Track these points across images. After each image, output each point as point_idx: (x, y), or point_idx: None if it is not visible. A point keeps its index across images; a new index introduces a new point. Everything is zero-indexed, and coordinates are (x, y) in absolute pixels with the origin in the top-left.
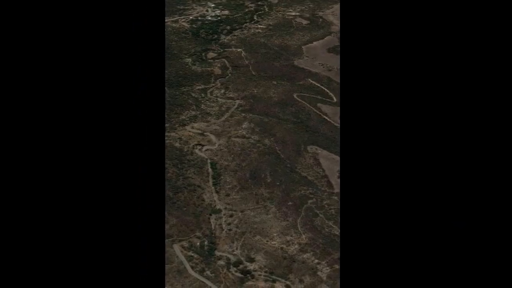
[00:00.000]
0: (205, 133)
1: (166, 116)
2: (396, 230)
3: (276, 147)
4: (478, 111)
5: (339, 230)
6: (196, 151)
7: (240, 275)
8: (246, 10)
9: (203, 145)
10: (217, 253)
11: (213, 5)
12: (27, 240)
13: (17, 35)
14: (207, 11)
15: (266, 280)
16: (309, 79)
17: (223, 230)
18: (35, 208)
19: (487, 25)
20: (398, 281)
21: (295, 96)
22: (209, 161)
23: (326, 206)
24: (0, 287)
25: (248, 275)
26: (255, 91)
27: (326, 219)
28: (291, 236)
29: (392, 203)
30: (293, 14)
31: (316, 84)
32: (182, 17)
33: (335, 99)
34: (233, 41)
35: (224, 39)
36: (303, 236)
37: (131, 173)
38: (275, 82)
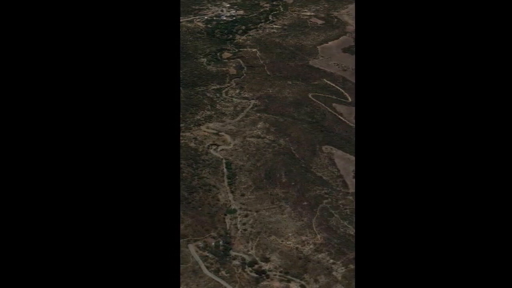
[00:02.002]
0: (220, 133)
1: (181, 116)
2: (412, 230)
3: (291, 147)
4: (497, 110)
5: (354, 230)
6: (211, 151)
7: (255, 275)
8: (261, 10)
9: (218, 145)
10: (232, 253)
11: (228, 5)
12: (47, 241)
13: (33, 35)
14: (222, 11)
15: (281, 280)
16: (324, 79)
17: (238, 230)
18: (50, 209)
19: (505, 27)
20: (413, 281)
21: (310, 96)
22: (224, 161)
23: (341, 206)
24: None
25: (263, 275)
26: (270, 91)
27: (341, 219)
28: (306, 236)
29: (407, 203)
30: (308, 14)
31: (331, 84)
32: (197, 17)
33: (350, 99)
34: (248, 41)
35: (239, 39)
36: (318, 236)
37: (146, 173)
38: (290, 82)
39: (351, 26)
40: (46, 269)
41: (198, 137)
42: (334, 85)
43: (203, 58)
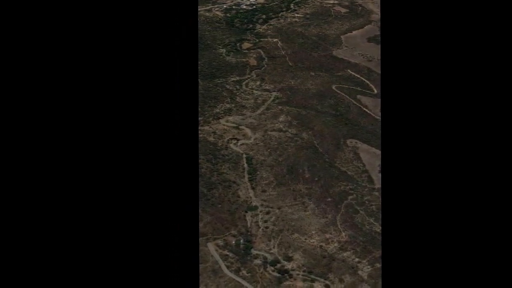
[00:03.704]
0: (240, 127)
1: (199, 109)
2: (441, 227)
3: (314, 141)
4: None
5: (381, 228)
6: (231, 145)
7: (277, 274)
8: None
9: (238, 139)
10: (254, 251)
11: None
12: (62, 242)
13: (48, 25)
14: None
15: (304, 280)
16: (349, 70)
17: (259, 227)
18: (60, 209)
19: None
20: (443, 281)
21: (333, 87)
22: (244, 156)
23: (366, 202)
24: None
25: (285, 274)
26: (292, 82)
27: (367, 216)
28: (331, 233)
29: (436, 199)
30: (332, 2)
31: (356, 75)
32: (215, 5)
33: (375, 91)
34: (269, 31)
35: (260, 28)
36: (343, 234)
37: (163, 169)
38: (313, 73)
39: (376, 15)
40: (62, 270)
41: (217, 131)
42: (358, 76)
43: (222, 48)
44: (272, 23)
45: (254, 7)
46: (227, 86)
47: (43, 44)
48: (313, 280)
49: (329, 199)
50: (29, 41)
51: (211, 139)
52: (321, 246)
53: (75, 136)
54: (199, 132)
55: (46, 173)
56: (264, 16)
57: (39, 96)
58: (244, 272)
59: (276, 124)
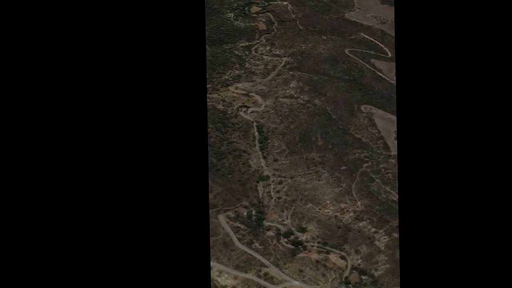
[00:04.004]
0: (250, 94)
1: (207, 76)
2: (460, 196)
3: (327, 107)
4: None
5: (397, 196)
6: (241, 113)
7: (291, 246)
8: None
9: (248, 107)
10: (266, 223)
11: None
12: (72, 232)
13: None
14: None
15: (319, 252)
16: (362, 33)
17: (271, 198)
18: (74, 199)
19: None
20: (463, 251)
21: (346, 51)
22: (255, 124)
23: (382, 170)
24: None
25: (299, 246)
26: (303, 47)
27: (383, 184)
28: (346, 203)
29: (455, 167)
30: None
31: (369, 38)
32: None
33: (390, 54)
34: None
35: None
36: (359, 203)
37: (170, 139)
38: (324, 37)
39: None
40: (78, 263)
41: (226, 98)
42: (372, 39)
43: (230, 13)
44: None
45: None
46: (236, 52)
47: (42, 43)
48: (328, 252)
49: (344, 167)
50: (28, 40)
51: (220, 107)
52: (336, 216)
53: (80, 124)
54: (208, 100)
55: (47, 170)
56: None
57: (38, 96)
58: (257, 244)
59: (288, 91)
